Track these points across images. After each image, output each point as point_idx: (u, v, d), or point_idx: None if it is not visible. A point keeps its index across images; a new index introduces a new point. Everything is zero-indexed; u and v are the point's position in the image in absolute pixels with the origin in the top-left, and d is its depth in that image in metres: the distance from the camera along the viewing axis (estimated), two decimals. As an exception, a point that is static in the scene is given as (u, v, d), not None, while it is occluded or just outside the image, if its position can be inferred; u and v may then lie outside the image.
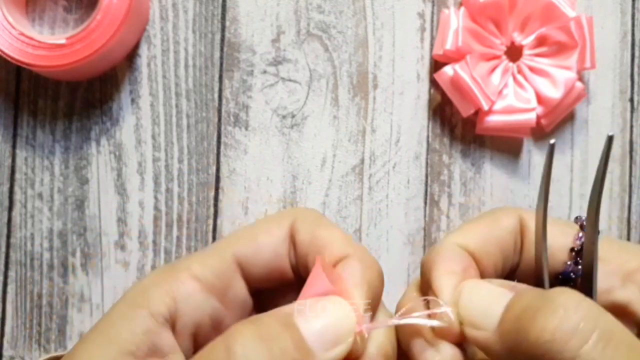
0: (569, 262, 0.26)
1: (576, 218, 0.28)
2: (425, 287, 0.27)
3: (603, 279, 0.26)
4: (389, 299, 0.57)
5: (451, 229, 0.57)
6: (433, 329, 0.25)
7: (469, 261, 0.26)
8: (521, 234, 0.27)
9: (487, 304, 0.23)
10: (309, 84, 0.58)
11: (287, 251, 0.27)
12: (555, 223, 0.28)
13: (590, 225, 0.26)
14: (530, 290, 0.24)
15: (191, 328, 0.24)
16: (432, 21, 0.58)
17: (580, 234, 0.27)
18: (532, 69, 0.56)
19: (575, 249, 0.26)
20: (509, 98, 0.56)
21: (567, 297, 0.22)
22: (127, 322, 0.23)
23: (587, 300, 0.22)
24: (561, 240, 0.27)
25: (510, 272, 0.28)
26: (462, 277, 0.25)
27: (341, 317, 0.24)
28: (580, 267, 0.26)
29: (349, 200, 0.57)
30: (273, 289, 0.27)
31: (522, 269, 0.28)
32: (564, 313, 0.21)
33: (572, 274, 0.26)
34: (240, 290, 0.26)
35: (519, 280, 0.28)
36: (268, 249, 0.26)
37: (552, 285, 0.26)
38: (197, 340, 0.25)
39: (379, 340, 0.26)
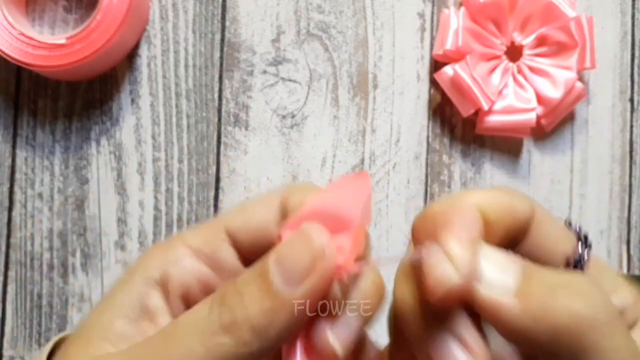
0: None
1: (567, 222, 0.27)
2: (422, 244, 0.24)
3: None
4: (390, 299, 0.57)
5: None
6: (430, 284, 0.22)
7: (481, 230, 0.24)
8: (529, 224, 0.26)
9: (504, 268, 0.22)
10: (309, 84, 0.58)
11: (277, 220, 0.26)
12: (558, 227, 0.26)
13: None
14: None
15: (180, 290, 0.26)
16: (432, 21, 0.58)
17: (580, 247, 0.26)
18: (532, 69, 0.56)
19: (570, 262, 0.25)
20: (509, 98, 0.56)
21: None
22: (124, 287, 0.25)
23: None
24: (559, 247, 0.26)
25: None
26: (476, 247, 0.23)
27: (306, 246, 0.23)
28: None
29: (349, 200, 0.57)
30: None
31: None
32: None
33: None
34: (229, 257, 0.26)
35: None
36: (256, 218, 0.26)
37: None
38: (187, 304, 0.26)
39: (366, 285, 0.25)
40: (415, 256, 0.23)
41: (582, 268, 0.25)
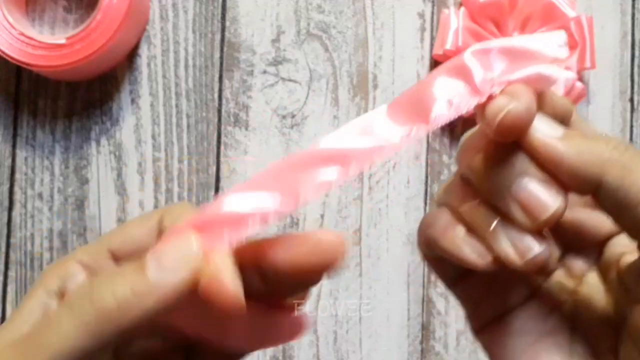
0: None
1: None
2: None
3: None
4: (390, 299, 0.57)
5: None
6: (490, 112, 0.28)
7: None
8: None
9: (553, 125, 0.29)
10: (309, 84, 0.58)
11: (153, 238, 0.30)
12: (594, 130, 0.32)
13: None
14: None
15: None
16: (432, 21, 0.58)
17: None
18: (532, 69, 0.56)
19: None
20: (509, 98, 0.56)
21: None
22: (29, 301, 0.29)
23: None
24: None
25: None
26: None
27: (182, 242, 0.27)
28: None
29: (349, 200, 0.57)
30: None
31: None
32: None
33: None
34: (110, 268, 0.31)
35: None
36: (136, 238, 0.30)
37: None
38: None
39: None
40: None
41: None
